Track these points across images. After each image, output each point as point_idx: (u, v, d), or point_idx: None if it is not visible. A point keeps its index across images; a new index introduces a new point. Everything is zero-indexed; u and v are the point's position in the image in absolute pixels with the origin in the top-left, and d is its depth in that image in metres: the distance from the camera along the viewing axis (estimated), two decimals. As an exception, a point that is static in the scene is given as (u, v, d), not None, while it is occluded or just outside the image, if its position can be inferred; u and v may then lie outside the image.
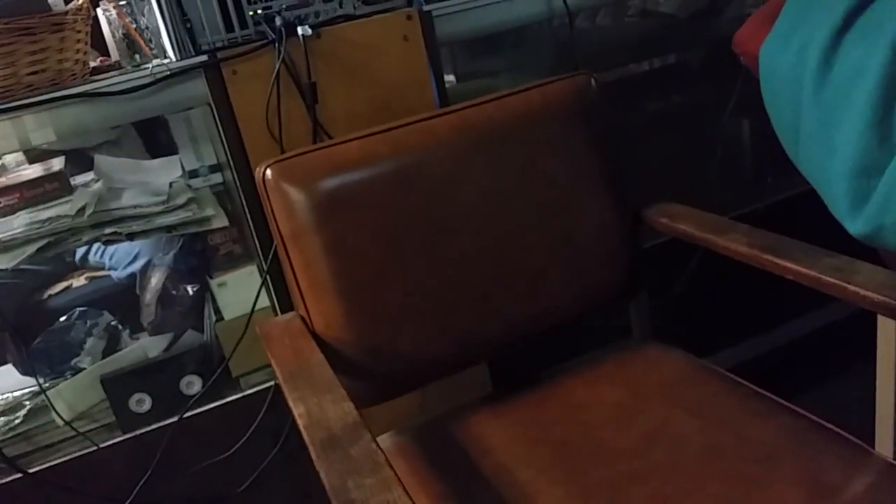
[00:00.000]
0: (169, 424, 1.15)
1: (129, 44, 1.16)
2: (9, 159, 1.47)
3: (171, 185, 1.26)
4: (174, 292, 1.29)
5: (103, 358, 1.27)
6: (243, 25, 1.03)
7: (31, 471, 1.10)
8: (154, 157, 1.44)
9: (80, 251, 1.49)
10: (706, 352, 1.10)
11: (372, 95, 1.10)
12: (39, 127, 0.98)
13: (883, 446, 0.99)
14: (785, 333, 1.62)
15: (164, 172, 1.32)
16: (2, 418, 1.22)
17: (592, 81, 1.06)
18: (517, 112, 1.03)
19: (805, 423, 0.89)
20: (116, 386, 1.18)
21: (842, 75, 0.85)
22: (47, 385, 1.22)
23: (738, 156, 1.60)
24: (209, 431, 1.17)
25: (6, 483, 1.10)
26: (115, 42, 1.18)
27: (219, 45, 1.02)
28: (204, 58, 1.02)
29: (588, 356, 1.11)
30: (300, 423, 0.75)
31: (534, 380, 1.07)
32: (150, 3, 1.04)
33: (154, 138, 1.53)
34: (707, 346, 1.20)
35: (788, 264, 0.87)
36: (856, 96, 0.83)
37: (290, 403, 0.79)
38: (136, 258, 1.38)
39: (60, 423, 1.18)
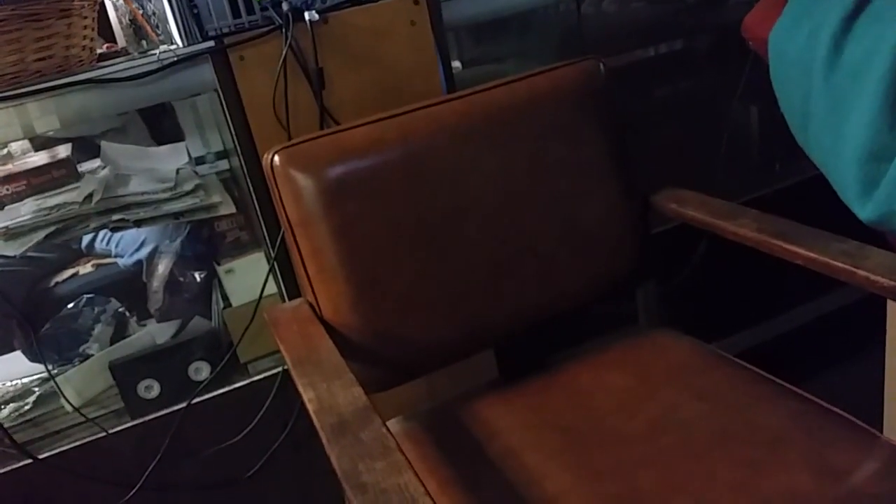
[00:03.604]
0: (177, 410, 1.15)
1: (136, 30, 1.16)
2: (14, 147, 1.47)
3: (177, 171, 1.26)
4: (181, 279, 1.29)
5: (111, 344, 1.27)
6: (250, 11, 1.02)
7: (40, 456, 1.11)
8: (159, 144, 1.44)
9: (87, 238, 1.49)
10: (713, 337, 1.10)
11: (379, 81, 1.10)
12: (43, 114, 0.98)
13: (891, 431, 0.99)
14: (792, 319, 1.62)
15: (170, 159, 1.32)
16: (11, 404, 1.23)
17: (601, 67, 1.05)
18: (525, 98, 1.03)
19: (813, 408, 0.89)
20: (125, 372, 1.18)
21: (853, 60, 0.85)
22: (56, 371, 1.22)
23: (745, 142, 1.60)
24: (217, 417, 1.18)
25: (16, 469, 1.11)
26: (122, 28, 1.18)
27: (226, 30, 1.02)
28: (211, 44, 1.01)
29: (594, 342, 1.11)
30: (310, 408, 0.75)
31: (540, 366, 1.08)
32: (156, -11, 1.04)
33: (159, 125, 1.53)
34: (714, 332, 1.20)
35: (798, 249, 0.87)
36: (867, 81, 0.82)
37: (300, 389, 0.79)
38: (142, 245, 1.38)
39: (69, 409, 1.19)
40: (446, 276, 0.99)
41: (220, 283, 1.27)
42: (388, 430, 0.69)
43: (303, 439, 1.21)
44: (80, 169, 1.35)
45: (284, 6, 1.02)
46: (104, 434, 1.13)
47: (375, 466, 0.64)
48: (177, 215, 1.17)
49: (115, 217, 1.13)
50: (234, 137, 1.06)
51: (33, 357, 1.29)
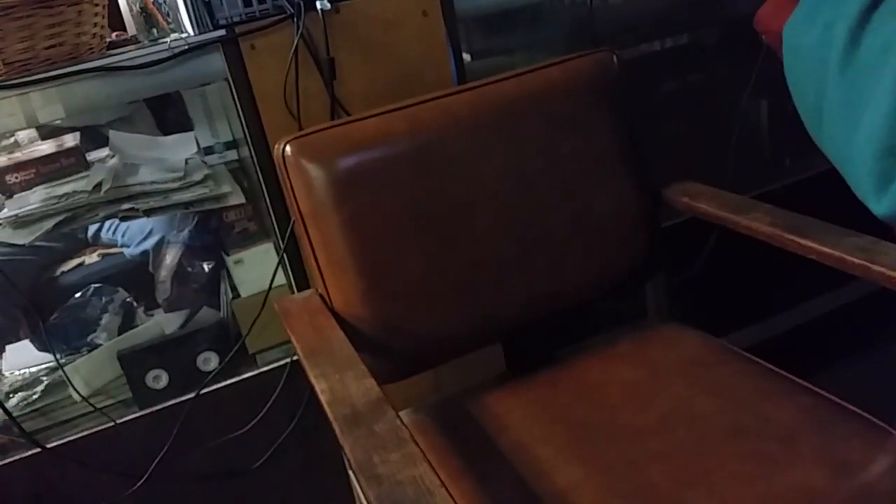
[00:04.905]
0: (186, 400, 1.15)
1: (147, 18, 1.16)
2: (22, 136, 1.46)
3: (186, 161, 1.26)
4: (189, 269, 1.29)
5: (119, 334, 1.27)
6: (262, 0, 1.02)
7: (49, 446, 1.11)
8: (165, 134, 1.44)
9: (92, 228, 1.49)
10: (723, 332, 1.10)
11: (390, 71, 1.09)
12: (47, 103, 0.97)
13: (902, 427, 0.99)
14: (802, 313, 1.61)
15: (179, 149, 1.32)
16: (20, 393, 1.23)
17: (614, 58, 1.05)
18: (537, 89, 1.02)
19: (825, 404, 0.89)
20: (133, 362, 1.18)
21: (870, 53, 0.84)
22: (64, 361, 1.22)
23: (756, 136, 1.59)
24: (226, 408, 1.18)
25: (25, 458, 1.11)
26: (133, 16, 1.17)
27: (237, 19, 1.01)
28: (222, 32, 1.01)
29: (603, 336, 1.11)
30: (322, 399, 0.75)
31: (549, 360, 1.07)
32: (167, -23, 1.03)
33: (165, 115, 1.53)
34: (724, 327, 1.20)
35: (812, 244, 0.87)
36: (884, 75, 0.81)
37: (312, 380, 0.79)
38: (149, 235, 1.37)
39: (78, 398, 1.19)
40: (456, 268, 0.99)
41: (228, 274, 1.27)
42: (401, 421, 0.69)
43: (311, 430, 1.21)
44: (88, 158, 1.35)
45: (296, -5, 1.01)
46: (112, 424, 1.13)
47: (390, 458, 0.64)
48: (186, 205, 1.16)
49: (125, 206, 1.13)
50: (245, 127, 1.06)
51: (41, 346, 1.29)
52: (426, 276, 0.98)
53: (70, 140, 1.32)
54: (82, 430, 1.13)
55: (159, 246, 1.34)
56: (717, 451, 0.84)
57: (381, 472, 0.62)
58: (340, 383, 0.76)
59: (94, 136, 1.45)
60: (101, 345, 1.25)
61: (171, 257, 1.31)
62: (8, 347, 1.33)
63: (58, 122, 1.41)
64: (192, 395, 1.15)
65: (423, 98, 1.00)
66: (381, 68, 1.09)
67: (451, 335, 1.01)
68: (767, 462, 0.81)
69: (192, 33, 1.01)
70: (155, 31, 1.16)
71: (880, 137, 0.82)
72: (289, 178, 0.94)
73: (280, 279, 1.17)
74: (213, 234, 1.30)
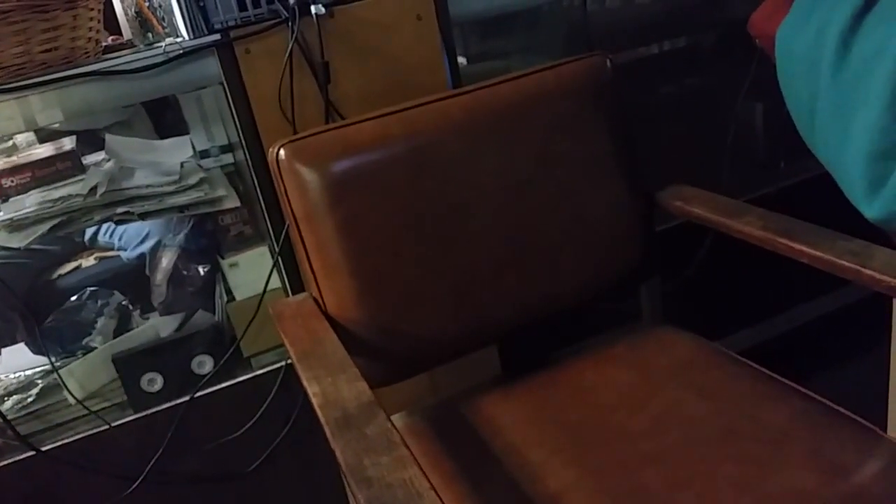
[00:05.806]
0: (180, 403, 1.15)
1: (142, 22, 1.16)
2: (20, 139, 1.47)
3: (182, 165, 1.26)
4: (185, 272, 1.29)
5: (114, 337, 1.27)
6: (256, 4, 1.02)
7: (43, 448, 1.11)
8: (163, 138, 1.44)
9: (89, 231, 1.49)
10: (716, 335, 1.10)
11: (384, 75, 1.10)
12: (46, 107, 0.97)
13: (895, 430, 0.99)
14: (795, 317, 1.62)
15: (175, 152, 1.32)
16: (14, 396, 1.23)
17: (608, 62, 1.05)
18: (531, 93, 1.03)
19: (817, 407, 0.89)
20: (128, 365, 1.18)
21: (861, 57, 0.85)
22: (59, 364, 1.22)
23: (751, 139, 1.59)
24: (220, 411, 1.17)
25: (19, 461, 1.11)
26: (128, 21, 1.18)
27: (232, 23, 1.01)
28: (217, 36, 1.01)
29: (598, 339, 1.11)
30: (315, 402, 0.75)
31: (544, 362, 1.08)
32: (162, -18, 1.03)
33: (163, 119, 1.53)
34: (717, 330, 1.20)
35: (804, 248, 0.87)
36: (875, 78, 0.82)
37: (305, 383, 0.79)
38: (145, 239, 1.38)
39: (72, 401, 1.19)
40: (451, 270, 0.99)
41: (223, 277, 1.27)
42: (392, 424, 0.69)
43: (305, 433, 1.21)
44: (84, 161, 1.35)
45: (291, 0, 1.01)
46: (107, 427, 1.13)
47: (380, 461, 0.64)
48: (181, 209, 1.16)
49: (120, 210, 1.13)
50: (240, 131, 1.06)
51: (36, 349, 1.29)
52: (421, 279, 0.98)
53: (66, 144, 1.33)
54: (77, 433, 1.13)
55: (155, 249, 1.34)
56: (709, 454, 0.84)
57: (372, 475, 0.63)
58: (333, 386, 0.77)
59: (91, 140, 1.46)
60: (96, 348, 1.25)
61: (166, 260, 1.31)
62: (3, 350, 1.34)
63: (56, 125, 1.42)
64: (186, 398, 1.15)
65: (418, 101, 1.00)
66: (376, 72, 1.09)
67: (445, 338, 1.01)
68: (759, 464, 0.81)
69: (187, 37, 1.02)
70: (150, 35, 1.17)
71: (872, 141, 0.82)
72: (283, 181, 0.95)
73: (275, 282, 1.17)
74: (208, 238, 1.31)
